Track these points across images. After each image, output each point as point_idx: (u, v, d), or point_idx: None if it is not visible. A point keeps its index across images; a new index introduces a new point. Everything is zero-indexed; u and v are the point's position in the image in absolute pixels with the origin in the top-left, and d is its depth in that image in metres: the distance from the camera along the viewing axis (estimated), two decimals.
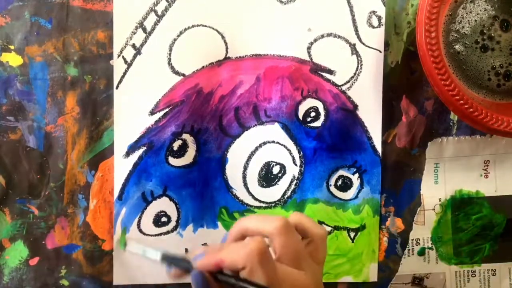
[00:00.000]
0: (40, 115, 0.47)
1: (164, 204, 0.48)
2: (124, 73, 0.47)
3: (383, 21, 0.47)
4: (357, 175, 0.49)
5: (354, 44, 0.48)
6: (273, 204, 0.49)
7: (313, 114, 0.48)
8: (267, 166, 0.49)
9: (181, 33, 0.47)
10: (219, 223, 0.49)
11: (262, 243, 0.32)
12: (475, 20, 0.45)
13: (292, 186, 0.49)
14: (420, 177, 0.50)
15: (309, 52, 0.48)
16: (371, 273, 0.50)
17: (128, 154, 0.48)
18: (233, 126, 0.48)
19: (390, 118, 0.49)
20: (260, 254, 0.32)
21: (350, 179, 0.49)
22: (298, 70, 0.48)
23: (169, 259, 0.37)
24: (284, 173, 0.49)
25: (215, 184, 0.49)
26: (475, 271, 0.51)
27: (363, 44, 0.48)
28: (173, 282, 0.35)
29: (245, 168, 0.49)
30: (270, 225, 0.35)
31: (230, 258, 0.33)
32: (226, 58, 0.47)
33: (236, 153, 0.48)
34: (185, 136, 0.48)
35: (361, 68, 0.48)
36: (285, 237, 0.34)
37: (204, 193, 0.48)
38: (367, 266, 0.50)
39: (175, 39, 0.47)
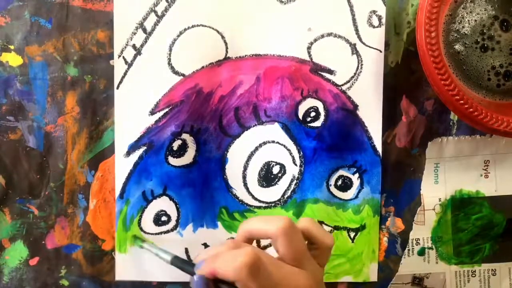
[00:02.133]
0: (40, 115, 0.47)
1: (164, 204, 0.48)
2: (125, 74, 0.47)
3: (383, 20, 0.47)
4: (357, 175, 0.49)
5: (355, 44, 0.48)
6: (273, 204, 0.49)
7: (313, 114, 0.48)
8: (267, 166, 0.49)
9: (181, 33, 0.47)
10: (219, 223, 0.49)
11: (250, 256, 0.32)
12: (475, 20, 0.45)
13: (292, 186, 0.49)
14: (420, 177, 0.50)
15: (309, 52, 0.48)
16: (371, 273, 0.50)
17: (128, 153, 0.48)
18: (233, 126, 0.48)
19: (390, 118, 0.49)
20: (249, 267, 0.32)
21: (350, 179, 0.49)
22: (298, 70, 0.48)
23: (178, 263, 0.38)
24: (284, 173, 0.49)
25: (215, 184, 0.49)
26: (475, 271, 0.51)
27: (364, 44, 0.48)
28: None
29: (245, 168, 0.49)
30: (273, 225, 0.35)
31: (222, 270, 0.33)
32: (226, 58, 0.47)
33: (236, 153, 0.48)
34: (185, 136, 0.48)
35: (361, 68, 0.48)
36: (288, 238, 0.34)
37: (204, 193, 0.48)
38: (367, 266, 0.50)
39: (175, 39, 0.47)
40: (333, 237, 0.39)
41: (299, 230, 0.36)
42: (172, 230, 0.49)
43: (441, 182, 0.50)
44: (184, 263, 0.37)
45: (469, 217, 0.50)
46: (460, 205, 0.50)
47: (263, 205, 0.49)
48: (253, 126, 0.48)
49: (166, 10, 0.46)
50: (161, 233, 0.49)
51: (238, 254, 0.33)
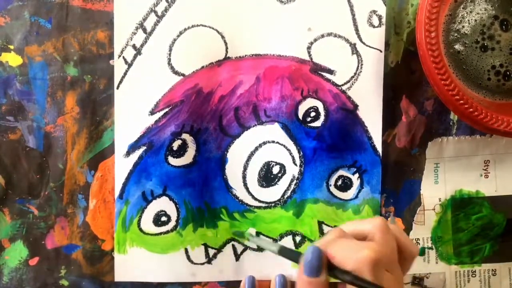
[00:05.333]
0: (40, 115, 0.47)
1: (164, 204, 0.48)
2: (125, 74, 0.47)
3: (383, 20, 0.47)
4: (357, 175, 0.49)
5: (355, 44, 0.48)
6: (273, 204, 0.49)
7: (313, 114, 0.48)
8: (267, 166, 0.49)
9: (181, 33, 0.47)
10: (219, 223, 0.49)
11: (377, 252, 0.31)
12: (475, 20, 0.45)
13: (292, 186, 0.49)
14: (420, 177, 0.50)
15: (309, 52, 0.48)
16: None
17: (128, 153, 0.48)
18: (233, 126, 0.48)
19: (390, 118, 0.48)
20: (373, 264, 0.31)
21: (350, 179, 0.49)
22: (298, 70, 0.48)
23: (286, 253, 0.38)
24: (284, 173, 0.49)
25: (215, 184, 0.49)
26: (475, 271, 0.51)
27: (364, 43, 0.48)
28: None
29: (245, 168, 0.49)
30: (371, 223, 0.35)
31: (340, 256, 0.32)
32: (226, 58, 0.47)
33: (236, 153, 0.48)
34: (185, 136, 0.48)
35: (361, 68, 0.48)
36: (385, 234, 0.34)
37: (204, 193, 0.48)
38: None
39: (175, 39, 0.47)
40: (418, 247, 0.38)
41: (391, 230, 0.35)
42: (172, 230, 0.49)
43: (441, 182, 0.50)
44: (292, 252, 0.37)
45: (469, 217, 0.50)
46: (460, 205, 0.50)
47: (263, 205, 0.49)
48: (253, 126, 0.48)
49: (166, 10, 0.46)
50: (161, 233, 0.49)
51: (362, 246, 0.32)
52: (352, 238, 0.35)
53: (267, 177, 0.49)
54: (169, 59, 0.47)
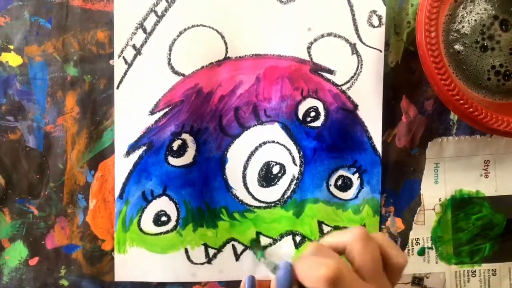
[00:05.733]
0: (40, 115, 0.47)
1: (164, 204, 0.48)
2: (125, 73, 0.47)
3: (383, 20, 0.47)
4: (357, 175, 0.49)
5: (354, 44, 0.48)
6: (273, 204, 0.49)
7: (313, 114, 0.48)
8: (267, 166, 0.49)
9: (181, 33, 0.47)
10: (218, 223, 0.49)
11: (333, 270, 0.30)
12: (475, 20, 0.45)
13: (292, 186, 0.49)
14: (420, 177, 0.49)
15: (309, 52, 0.48)
16: None
17: (128, 153, 0.48)
18: (233, 126, 0.48)
19: (390, 118, 0.48)
20: (329, 282, 0.30)
21: (350, 179, 0.49)
22: (298, 70, 0.48)
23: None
24: (284, 173, 0.49)
25: (215, 184, 0.49)
26: (475, 271, 0.51)
27: (364, 43, 0.48)
28: None
29: (245, 168, 0.49)
30: (348, 233, 0.33)
31: (302, 274, 0.32)
32: (226, 58, 0.47)
33: (236, 153, 0.48)
34: (185, 136, 0.48)
35: (361, 68, 0.48)
36: (365, 243, 0.33)
37: (204, 193, 0.48)
38: None
39: (175, 39, 0.47)
40: (407, 257, 0.36)
41: (374, 238, 0.34)
42: (172, 230, 0.49)
43: (441, 182, 0.50)
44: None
45: (469, 217, 0.50)
46: (460, 205, 0.50)
47: (263, 205, 0.49)
48: (253, 126, 0.48)
49: (166, 10, 0.46)
50: (161, 233, 0.49)
51: (320, 264, 0.31)
52: (329, 252, 0.34)
53: (267, 177, 0.49)
54: (169, 59, 0.47)
